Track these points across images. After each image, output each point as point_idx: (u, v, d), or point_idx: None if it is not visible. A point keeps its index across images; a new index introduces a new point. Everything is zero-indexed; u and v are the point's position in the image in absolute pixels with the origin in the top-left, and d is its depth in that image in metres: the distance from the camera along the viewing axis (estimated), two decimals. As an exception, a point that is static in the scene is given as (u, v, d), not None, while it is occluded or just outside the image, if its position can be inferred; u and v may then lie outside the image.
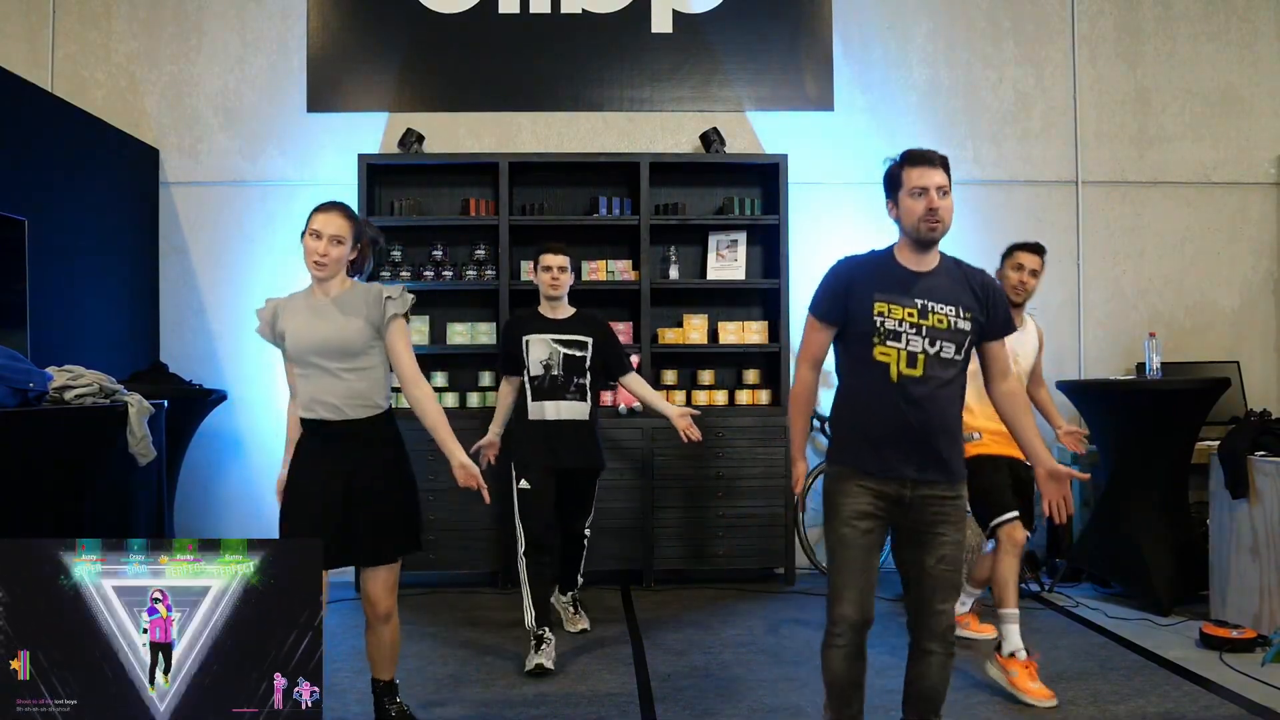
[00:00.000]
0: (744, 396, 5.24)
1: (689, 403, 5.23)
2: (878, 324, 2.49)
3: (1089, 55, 5.71)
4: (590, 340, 4.02)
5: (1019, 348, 3.77)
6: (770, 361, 5.33)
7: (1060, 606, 4.60)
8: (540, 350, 3.98)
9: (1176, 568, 4.46)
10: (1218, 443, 4.28)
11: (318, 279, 2.87)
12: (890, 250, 2.61)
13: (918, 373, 2.48)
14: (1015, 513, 3.68)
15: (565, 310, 4.07)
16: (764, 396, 5.25)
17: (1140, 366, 5.15)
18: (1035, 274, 3.80)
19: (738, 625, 4.39)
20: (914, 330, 2.48)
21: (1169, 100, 5.72)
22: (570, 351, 3.99)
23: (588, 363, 4.00)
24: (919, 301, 2.50)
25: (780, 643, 4.11)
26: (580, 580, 4.32)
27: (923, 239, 2.52)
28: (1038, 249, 3.83)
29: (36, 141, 4.40)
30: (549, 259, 4.03)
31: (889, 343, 2.48)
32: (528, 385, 4.00)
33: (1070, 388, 4.85)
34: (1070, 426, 3.98)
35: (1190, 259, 5.70)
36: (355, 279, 2.98)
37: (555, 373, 3.97)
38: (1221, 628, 3.94)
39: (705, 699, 3.44)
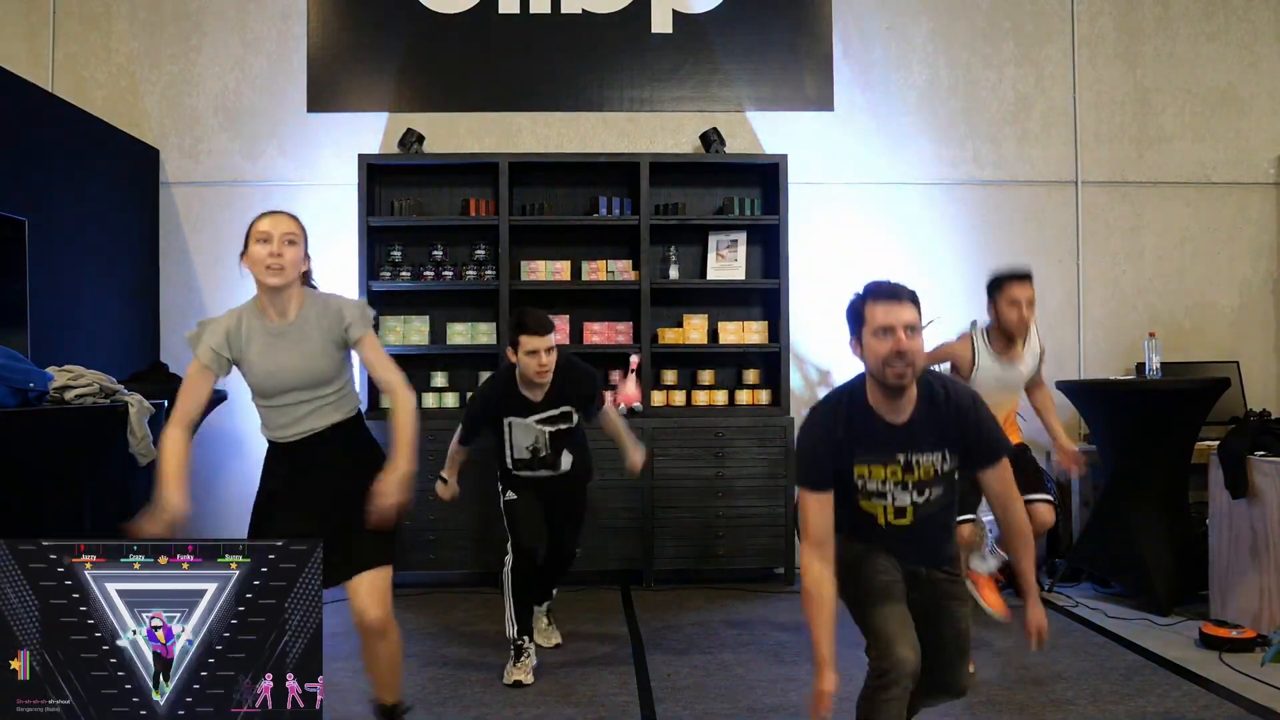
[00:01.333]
0: (744, 396, 5.24)
1: (689, 403, 5.24)
2: (859, 485, 2.38)
3: (1089, 55, 5.71)
4: (572, 409, 3.68)
5: (1023, 368, 3.78)
6: (770, 361, 5.33)
7: (1060, 606, 4.60)
8: (524, 436, 3.62)
9: (1176, 568, 4.46)
10: (1218, 443, 4.27)
11: (274, 289, 2.50)
12: (863, 395, 2.37)
13: (906, 521, 2.40)
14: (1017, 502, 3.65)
15: (545, 383, 3.60)
16: (764, 396, 5.25)
17: (1140, 366, 5.15)
18: (1031, 304, 3.62)
19: (738, 625, 4.39)
20: (899, 486, 2.37)
21: (1169, 100, 5.72)
22: (556, 427, 3.66)
23: (574, 425, 3.69)
24: (901, 457, 2.34)
25: (780, 643, 4.11)
26: (553, 593, 4.08)
27: (889, 385, 2.28)
28: (1028, 277, 3.65)
29: (36, 141, 4.40)
30: (534, 341, 3.44)
31: (874, 499, 2.39)
32: (509, 457, 3.68)
33: (1070, 388, 4.85)
34: (1070, 447, 3.89)
35: (1190, 259, 5.70)
36: (310, 292, 2.66)
37: (544, 453, 3.66)
38: (1221, 628, 3.94)
39: (705, 699, 3.44)
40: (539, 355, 3.45)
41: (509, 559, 3.69)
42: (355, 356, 2.72)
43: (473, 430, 3.73)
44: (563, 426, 3.64)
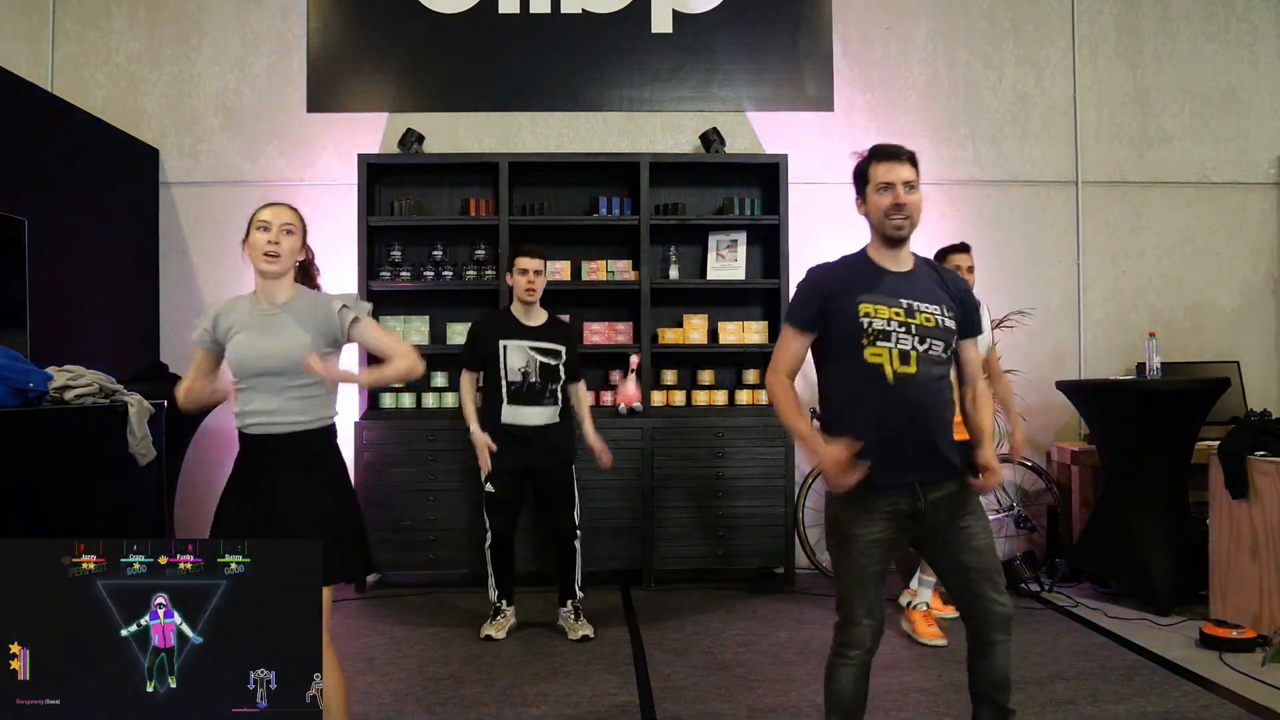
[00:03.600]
0: (744, 396, 5.25)
1: (689, 403, 5.24)
2: (865, 325, 2.43)
3: (1089, 55, 5.71)
4: (564, 349, 4.11)
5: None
6: (770, 361, 5.32)
7: (1060, 606, 4.59)
8: (518, 358, 4.03)
9: (1176, 568, 4.45)
10: (1218, 443, 4.28)
11: (269, 275, 2.61)
12: (863, 252, 2.57)
13: (912, 370, 2.42)
14: None
15: (539, 315, 4.13)
16: (764, 396, 5.25)
17: (1140, 366, 5.15)
18: (971, 270, 4.05)
19: (738, 625, 4.39)
20: (903, 329, 2.43)
21: (1169, 100, 5.72)
22: (546, 360, 4.06)
23: (561, 371, 4.09)
24: (904, 301, 2.46)
25: (780, 643, 4.11)
26: (580, 592, 4.25)
27: (889, 235, 2.49)
28: (966, 248, 4.10)
29: (36, 141, 4.40)
30: (526, 262, 4.04)
31: (879, 343, 2.43)
32: (504, 388, 4.03)
33: (1070, 388, 4.85)
34: (1020, 441, 4.22)
35: (1190, 259, 5.70)
36: (302, 287, 2.72)
37: (533, 380, 4.03)
38: (1221, 628, 3.94)
39: (705, 699, 3.44)
40: (528, 274, 4.02)
41: (488, 536, 4.20)
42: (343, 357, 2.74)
43: (472, 349, 4.14)
44: (552, 361, 4.07)
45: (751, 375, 5.35)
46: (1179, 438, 4.54)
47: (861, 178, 2.53)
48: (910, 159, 2.50)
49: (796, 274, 5.23)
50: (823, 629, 4.30)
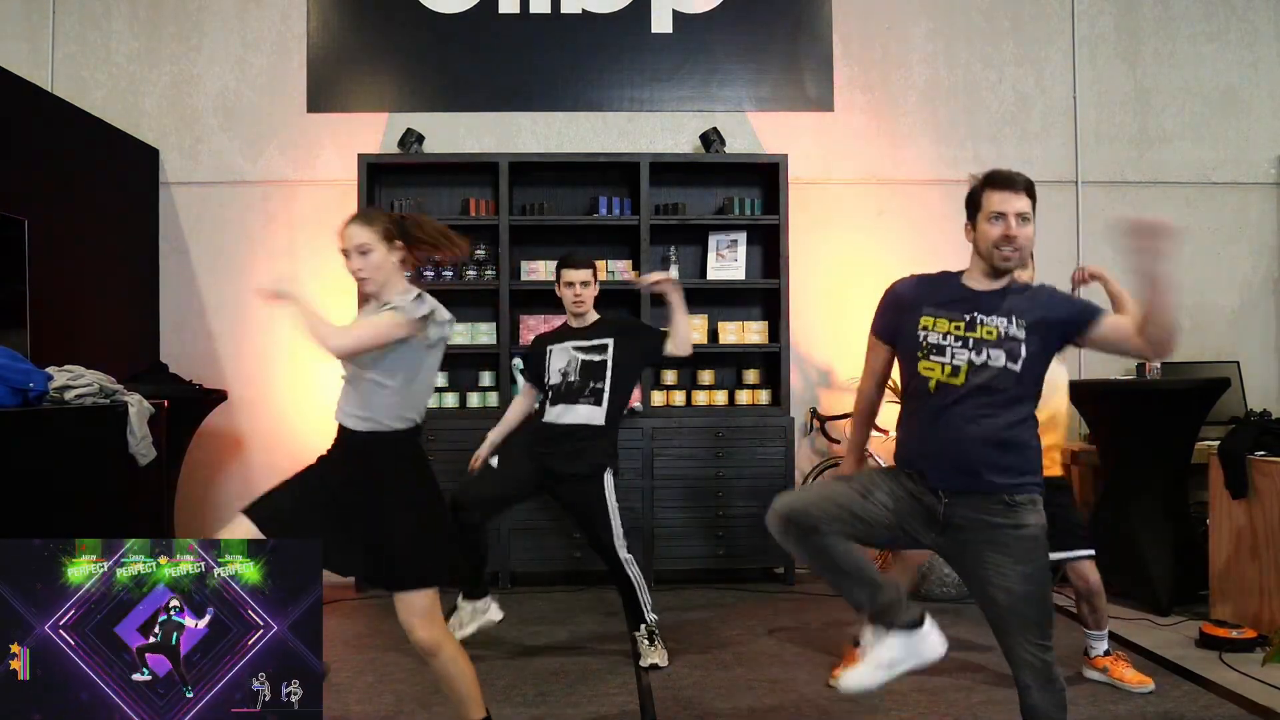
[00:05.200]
0: (744, 396, 5.25)
1: (689, 403, 5.24)
2: (921, 338, 2.41)
3: (1089, 55, 5.71)
4: (610, 341, 3.89)
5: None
6: (770, 361, 5.33)
7: (1060, 606, 4.58)
8: (560, 359, 3.90)
9: (1176, 568, 4.46)
10: (1218, 443, 4.28)
11: (370, 294, 2.72)
12: (960, 272, 2.51)
13: (959, 381, 2.35)
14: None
15: (590, 319, 3.97)
16: (764, 396, 5.25)
17: (1140, 366, 5.15)
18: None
19: (738, 625, 4.39)
20: (960, 343, 2.37)
21: (1169, 100, 5.72)
22: (588, 357, 3.89)
23: (608, 367, 3.86)
24: (967, 315, 2.39)
25: (780, 643, 4.11)
26: (651, 616, 3.87)
27: (996, 267, 2.40)
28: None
29: (36, 141, 4.40)
30: (570, 274, 3.89)
31: (933, 357, 2.38)
32: (548, 393, 3.90)
33: (1070, 388, 4.84)
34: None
35: (1190, 259, 5.70)
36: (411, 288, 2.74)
37: (572, 379, 3.86)
38: (1221, 628, 3.94)
39: (705, 699, 3.44)
40: (574, 287, 3.90)
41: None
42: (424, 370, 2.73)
43: (530, 362, 4.02)
44: (595, 357, 3.90)
45: (751, 375, 5.35)
46: (1179, 438, 4.54)
47: (973, 203, 2.44)
48: (1027, 189, 2.40)
49: (796, 274, 5.31)
50: (823, 629, 4.30)
